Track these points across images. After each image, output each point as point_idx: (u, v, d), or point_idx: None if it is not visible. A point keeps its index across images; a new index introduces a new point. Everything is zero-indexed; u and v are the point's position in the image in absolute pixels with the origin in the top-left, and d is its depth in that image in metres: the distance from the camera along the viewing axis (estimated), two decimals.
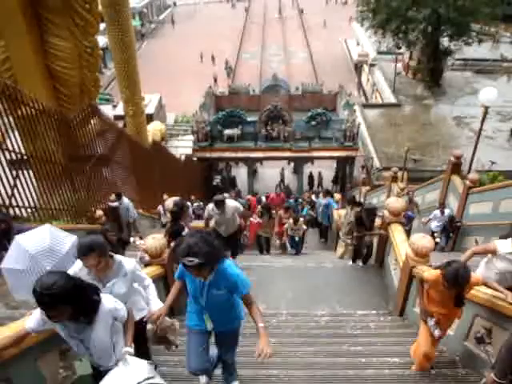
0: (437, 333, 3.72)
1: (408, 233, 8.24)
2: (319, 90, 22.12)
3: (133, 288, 3.40)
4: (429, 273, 3.69)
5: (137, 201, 10.18)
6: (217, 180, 20.67)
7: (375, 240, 7.25)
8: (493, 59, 29.82)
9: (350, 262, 7.69)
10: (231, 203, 6.40)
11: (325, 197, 11.42)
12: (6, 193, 5.72)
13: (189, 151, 19.94)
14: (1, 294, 4.23)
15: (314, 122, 18.80)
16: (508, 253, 3.99)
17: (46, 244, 3.48)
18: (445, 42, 25.67)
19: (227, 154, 19.40)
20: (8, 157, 5.86)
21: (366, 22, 27.78)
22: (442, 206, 9.25)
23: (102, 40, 19.05)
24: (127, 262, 3.29)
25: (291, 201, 11.50)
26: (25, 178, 6.11)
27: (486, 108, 9.42)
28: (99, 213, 7.64)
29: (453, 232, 9.15)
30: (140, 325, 3.35)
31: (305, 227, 9.23)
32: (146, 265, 5.01)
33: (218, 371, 3.76)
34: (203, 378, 3.70)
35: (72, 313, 2.49)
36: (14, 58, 7.72)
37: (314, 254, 10.32)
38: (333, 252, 10.24)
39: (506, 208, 8.22)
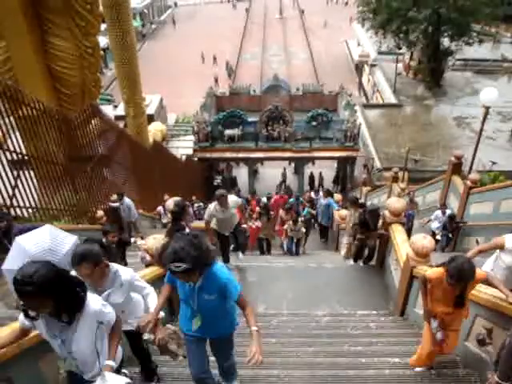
0: (439, 335, 3.68)
1: (408, 231, 8.25)
2: (320, 91, 22.13)
3: (130, 297, 3.31)
4: (431, 271, 3.60)
5: (137, 201, 10.19)
6: (217, 180, 20.67)
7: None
8: (493, 59, 29.81)
9: (351, 262, 7.69)
10: (232, 198, 6.47)
11: (325, 197, 11.43)
12: (7, 193, 5.73)
13: (189, 151, 19.95)
14: (1, 293, 4.24)
15: (314, 123, 18.81)
16: None
17: (46, 245, 3.47)
18: (445, 42, 25.66)
19: (228, 155, 19.42)
20: (9, 157, 5.88)
21: (366, 23, 27.78)
22: (444, 206, 9.25)
23: (103, 40, 19.14)
24: (124, 271, 3.18)
25: (292, 199, 11.50)
26: (26, 179, 6.12)
27: (487, 108, 9.41)
28: (100, 213, 7.65)
29: (452, 232, 9.14)
30: (137, 334, 3.24)
31: (304, 230, 9.23)
32: (147, 265, 5.01)
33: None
34: None
35: (54, 306, 2.34)
36: (15, 58, 7.73)
37: (315, 254, 10.32)
38: (333, 252, 10.25)
39: (507, 208, 8.22)
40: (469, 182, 8.96)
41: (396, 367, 4.27)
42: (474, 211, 9.09)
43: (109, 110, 19.39)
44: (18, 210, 5.94)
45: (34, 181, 6.46)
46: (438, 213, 9.19)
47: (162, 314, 3.25)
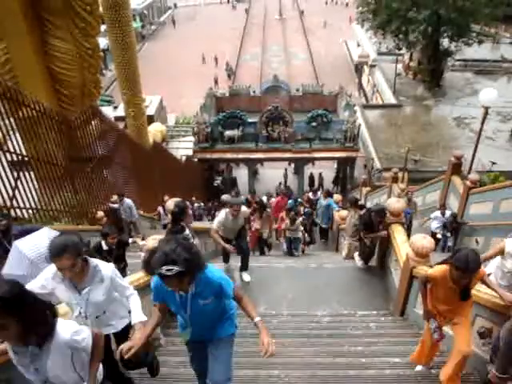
0: (435, 336, 3.67)
1: (406, 230, 8.23)
2: (320, 91, 22.15)
3: (112, 296, 3.06)
4: (434, 269, 3.52)
5: (137, 202, 10.20)
6: (217, 181, 20.70)
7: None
8: (493, 60, 29.84)
9: (360, 264, 7.42)
10: (243, 209, 6.32)
11: (325, 198, 11.43)
12: (8, 194, 5.74)
13: (189, 152, 19.97)
14: None
15: (314, 123, 18.83)
16: None
17: (44, 249, 3.46)
18: (445, 42, 25.70)
19: (228, 155, 19.44)
20: (9, 158, 5.88)
21: (366, 23, 27.81)
22: (443, 207, 9.26)
23: (103, 41, 19.11)
24: (104, 266, 2.96)
25: (291, 201, 11.49)
26: (26, 180, 6.12)
27: (487, 108, 9.43)
28: (100, 214, 7.66)
29: (452, 231, 9.15)
30: (122, 334, 3.11)
31: (302, 228, 9.19)
32: None
33: None
34: None
35: (20, 330, 2.10)
36: (15, 59, 7.74)
37: (315, 254, 10.31)
38: (333, 252, 10.25)
39: (507, 208, 8.22)
40: (468, 182, 8.97)
41: (396, 367, 4.28)
42: (473, 211, 9.10)
43: (109, 111, 19.43)
44: (18, 211, 5.95)
45: (34, 182, 6.47)
46: (437, 213, 9.21)
47: (162, 338, 3.09)
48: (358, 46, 37.32)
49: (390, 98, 26.31)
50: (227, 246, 6.01)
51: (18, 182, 5.97)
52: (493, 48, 31.67)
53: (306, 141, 19.12)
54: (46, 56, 8.04)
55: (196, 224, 8.57)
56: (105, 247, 5.44)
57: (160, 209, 11.27)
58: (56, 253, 2.60)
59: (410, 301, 5.49)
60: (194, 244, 2.55)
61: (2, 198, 5.66)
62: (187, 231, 5.69)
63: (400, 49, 26.76)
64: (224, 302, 2.86)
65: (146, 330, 2.78)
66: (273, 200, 13.59)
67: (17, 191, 5.93)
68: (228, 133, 18.86)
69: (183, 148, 21.50)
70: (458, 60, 28.02)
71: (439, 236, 9.23)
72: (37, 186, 6.56)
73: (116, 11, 11.30)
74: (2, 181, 5.62)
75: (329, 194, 11.34)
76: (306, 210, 11.29)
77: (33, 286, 2.77)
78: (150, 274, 2.53)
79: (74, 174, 7.55)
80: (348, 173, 20.36)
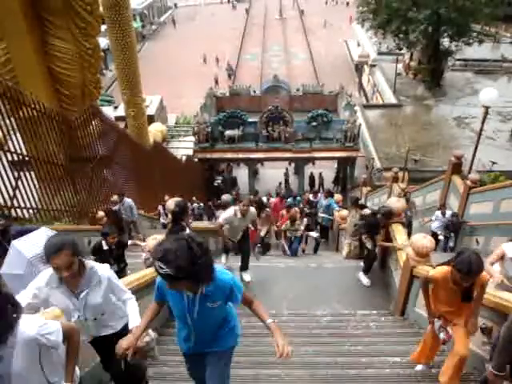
0: (442, 335, 3.65)
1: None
2: (320, 91, 22.16)
3: (110, 297, 2.99)
4: (436, 271, 3.50)
5: (138, 202, 10.21)
6: (218, 181, 20.70)
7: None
8: (493, 59, 29.82)
9: (366, 282, 6.92)
10: (252, 209, 6.34)
11: (326, 197, 11.42)
12: (8, 194, 5.75)
13: (190, 152, 19.98)
14: None
15: (314, 123, 18.82)
16: None
17: (39, 249, 3.46)
18: (445, 42, 25.69)
19: (228, 155, 19.44)
20: (10, 158, 5.89)
21: (366, 23, 27.81)
22: (443, 207, 9.26)
23: (103, 41, 19.15)
24: (101, 267, 2.91)
25: (290, 200, 11.47)
26: (26, 179, 6.13)
27: (487, 108, 9.43)
28: (101, 214, 7.66)
29: (455, 231, 9.14)
30: (122, 334, 2.95)
31: (302, 228, 9.18)
32: (150, 266, 5.00)
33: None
34: None
35: None
36: (16, 59, 7.74)
37: (315, 254, 10.31)
38: (334, 252, 10.25)
39: (507, 208, 8.22)
40: (469, 182, 8.97)
41: (396, 366, 4.28)
42: (474, 211, 9.10)
43: (109, 111, 19.41)
44: (18, 210, 5.95)
45: (35, 182, 6.47)
46: (438, 213, 9.21)
47: (151, 334, 2.90)
48: (359, 45, 37.33)
49: (391, 98, 26.31)
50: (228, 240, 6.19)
51: (19, 182, 5.98)
52: (493, 48, 31.66)
53: (307, 141, 19.12)
54: (46, 56, 8.04)
55: (196, 224, 8.55)
56: (105, 247, 5.46)
57: (160, 208, 11.28)
58: (53, 250, 2.55)
59: (411, 300, 5.49)
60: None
61: (3, 197, 5.67)
62: (188, 231, 5.70)
63: (400, 49, 26.75)
64: (226, 309, 2.70)
65: (138, 331, 2.67)
66: (272, 200, 13.61)
67: (17, 191, 5.93)
68: (228, 133, 18.86)
69: (183, 148, 21.49)
70: (459, 60, 28.02)
71: (441, 237, 9.22)
72: (37, 186, 6.56)
73: (116, 11, 11.33)
74: (3, 180, 5.63)
75: (330, 194, 11.34)
76: (309, 211, 11.18)
77: (24, 296, 2.69)
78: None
79: (75, 173, 7.56)
80: (348, 172, 20.35)
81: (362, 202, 10.27)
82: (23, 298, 2.67)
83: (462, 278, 3.11)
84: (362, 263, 7.55)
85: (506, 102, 20.82)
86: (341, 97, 21.06)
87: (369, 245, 6.68)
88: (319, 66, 38.21)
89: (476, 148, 10.03)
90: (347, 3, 56.46)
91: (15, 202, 5.89)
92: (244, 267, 6.90)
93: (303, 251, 9.71)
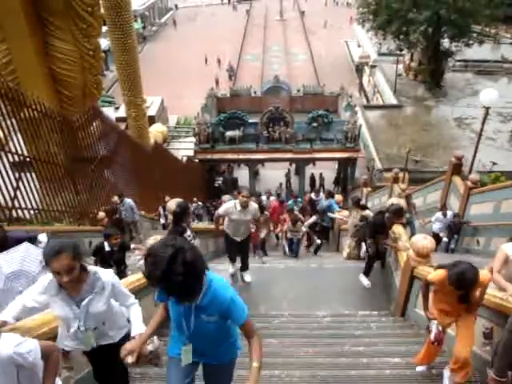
0: (431, 337, 3.67)
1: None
2: (320, 92, 22.18)
3: (111, 304, 2.83)
4: (433, 274, 3.54)
5: (138, 202, 10.22)
6: (218, 182, 20.71)
7: None
8: (493, 60, 29.79)
9: (366, 283, 6.84)
10: (254, 204, 6.15)
11: (327, 198, 11.43)
12: (9, 194, 5.76)
13: (190, 153, 20.00)
14: None
15: (315, 124, 18.84)
16: None
17: (16, 266, 3.43)
18: (445, 43, 25.66)
19: (229, 156, 19.46)
20: (11, 159, 5.90)
21: (366, 24, 27.82)
22: (444, 208, 9.24)
23: (104, 42, 19.17)
24: (104, 273, 2.74)
25: (290, 202, 11.46)
26: (27, 180, 6.14)
27: (487, 109, 9.44)
28: (101, 214, 7.67)
29: (457, 232, 9.14)
30: (119, 344, 2.70)
31: (304, 229, 9.17)
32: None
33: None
34: None
35: None
36: (17, 60, 7.77)
37: (316, 254, 10.31)
38: (334, 253, 10.26)
39: (508, 208, 8.22)
40: (469, 183, 8.97)
41: (397, 367, 4.28)
42: (474, 211, 9.10)
43: (110, 112, 19.44)
44: (19, 211, 5.97)
45: (36, 182, 6.48)
46: (439, 214, 9.20)
47: (156, 342, 2.78)
48: (359, 46, 37.33)
49: (391, 99, 26.30)
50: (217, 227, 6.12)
51: (20, 183, 5.99)
52: (493, 48, 31.63)
53: (307, 141, 19.13)
54: (47, 57, 8.07)
55: (196, 224, 8.58)
56: (107, 248, 5.43)
57: (160, 209, 11.28)
58: (52, 253, 2.39)
59: (411, 301, 5.49)
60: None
61: (4, 198, 5.68)
62: (188, 232, 5.70)
63: (401, 49, 26.73)
64: (226, 327, 2.52)
65: (144, 335, 2.58)
66: (272, 199, 13.59)
67: (18, 192, 5.95)
68: (229, 133, 18.87)
69: (184, 149, 21.52)
70: (459, 60, 27.99)
71: (445, 239, 9.20)
72: (38, 187, 6.57)
73: (117, 12, 11.37)
74: (4, 181, 5.64)
75: (330, 195, 11.35)
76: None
77: (20, 302, 2.62)
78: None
79: (76, 174, 7.57)
80: (349, 173, 20.36)
81: (362, 202, 10.25)
82: (20, 302, 2.61)
83: (455, 289, 3.15)
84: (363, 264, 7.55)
85: (506, 102, 20.79)
86: (341, 97, 21.08)
87: (371, 250, 6.49)
88: (320, 66, 38.22)
89: (476, 148, 10.03)
90: (347, 3, 56.49)
91: (16, 202, 5.90)
92: (244, 267, 6.87)
93: (308, 247, 9.64)
